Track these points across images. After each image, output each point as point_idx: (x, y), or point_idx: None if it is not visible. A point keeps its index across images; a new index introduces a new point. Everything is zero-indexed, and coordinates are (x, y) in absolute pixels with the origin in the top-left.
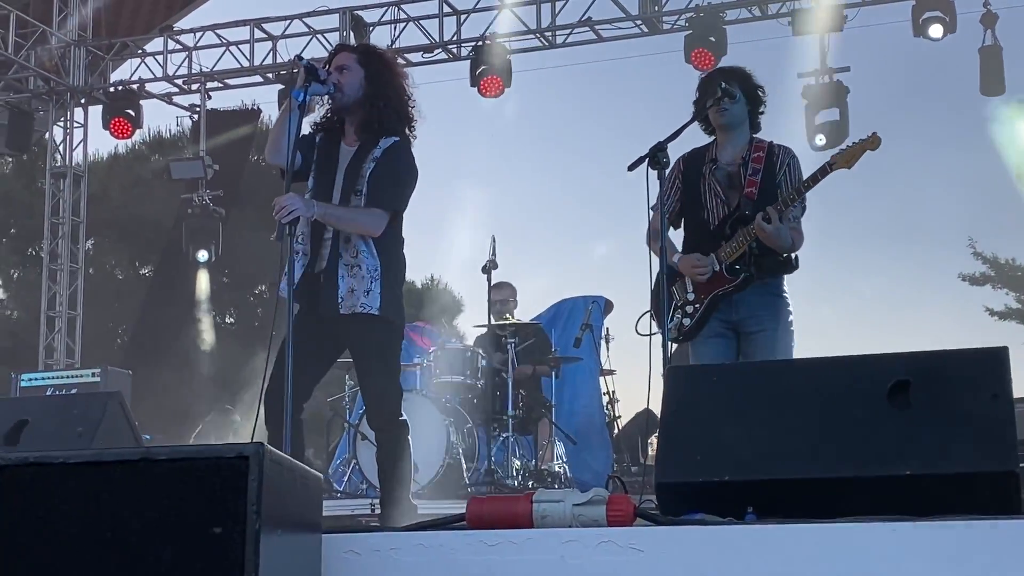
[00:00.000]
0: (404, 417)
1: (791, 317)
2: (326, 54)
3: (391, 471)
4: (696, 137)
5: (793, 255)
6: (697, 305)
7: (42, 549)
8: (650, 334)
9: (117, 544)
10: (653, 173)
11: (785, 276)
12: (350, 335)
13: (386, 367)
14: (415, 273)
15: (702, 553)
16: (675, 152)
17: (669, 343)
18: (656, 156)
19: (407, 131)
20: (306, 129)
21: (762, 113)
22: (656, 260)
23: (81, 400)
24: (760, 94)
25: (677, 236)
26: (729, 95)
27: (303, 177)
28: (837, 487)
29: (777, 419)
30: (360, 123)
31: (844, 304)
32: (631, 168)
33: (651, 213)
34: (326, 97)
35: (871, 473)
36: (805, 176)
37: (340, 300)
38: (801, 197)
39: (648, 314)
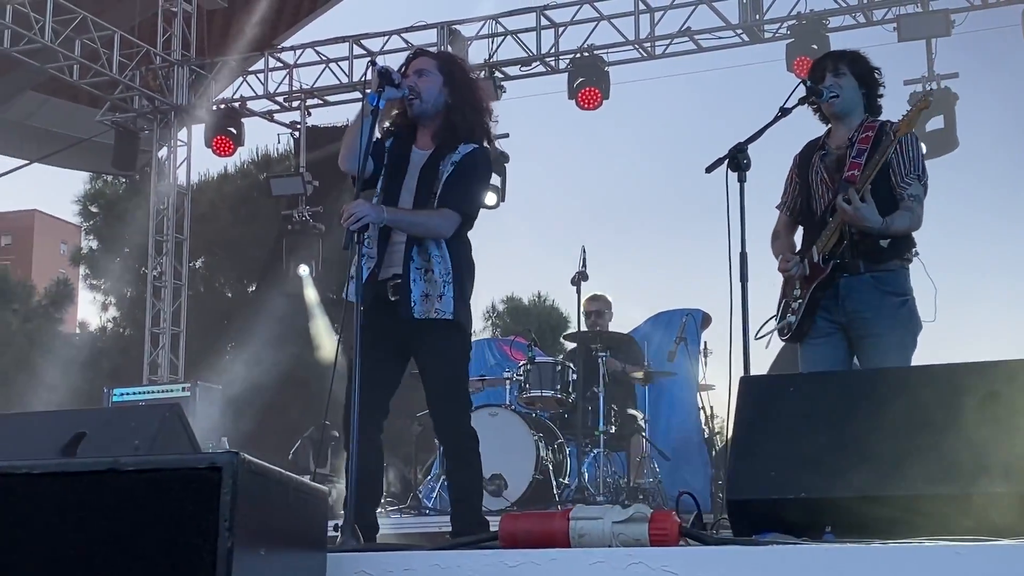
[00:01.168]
0: (474, 431)
1: (912, 316)
2: None
3: (463, 486)
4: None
5: (903, 240)
6: (801, 301)
7: (6, 559)
8: (745, 339)
9: (83, 557)
10: (733, 176)
11: (907, 267)
12: (422, 341)
13: (455, 375)
14: (523, 290)
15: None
16: (755, 153)
17: (787, 343)
18: (736, 157)
19: (485, 142)
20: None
21: (881, 96)
22: (760, 261)
23: (139, 412)
24: (876, 76)
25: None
26: (836, 74)
27: (374, 184)
28: (921, 505)
29: (857, 432)
30: (438, 128)
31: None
32: (709, 170)
33: (758, 212)
34: (402, 102)
35: (958, 491)
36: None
37: (414, 304)
38: (873, 173)
39: (745, 318)
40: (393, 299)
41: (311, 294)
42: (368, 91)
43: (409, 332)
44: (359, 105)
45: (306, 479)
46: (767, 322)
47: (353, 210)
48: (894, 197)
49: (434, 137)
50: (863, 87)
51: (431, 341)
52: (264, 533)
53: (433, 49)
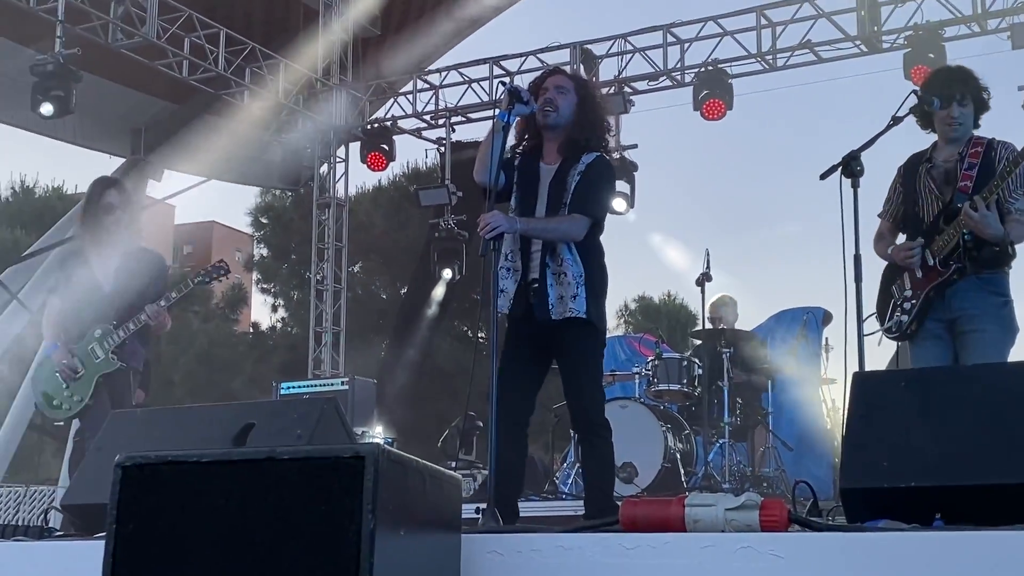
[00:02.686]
0: (607, 421)
1: (1012, 318)
2: None
3: (596, 473)
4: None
5: (1010, 245)
6: (914, 301)
7: (181, 537)
8: (860, 337)
9: (245, 537)
10: (847, 182)
11: (1008, 273)
12: (562, 340)
13: (590, 371)
14: (653, 289)
15: (848, 561)
16: (869, 160)
17: (894, 343)
18: (849, 165)
19: (603, 151)
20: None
21: (984, 113)
22: (873, 263)
23: (301, 405)
24: (985, 96)
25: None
26: (962, 104)
27: (506, 198)
28: None
29: (967, 424)
30: (563, 142)
31: None
32: (823, 177)
33: (866, 217)
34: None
35: None
36: None
37: (551, 307)
38: (1012, 180)
39: (859, 317)
40: (532, 303)
41: (439, 291)
42: (499, 109)
43: (549, 333)
44: None
45: (451, 464)
46: (868, 317)
47: (488, 220)
48: (1000, 210)
49: (559, 151)
50: (976, 109)
51: (568, 339)
52: (403, 516)
53: (568, 68)
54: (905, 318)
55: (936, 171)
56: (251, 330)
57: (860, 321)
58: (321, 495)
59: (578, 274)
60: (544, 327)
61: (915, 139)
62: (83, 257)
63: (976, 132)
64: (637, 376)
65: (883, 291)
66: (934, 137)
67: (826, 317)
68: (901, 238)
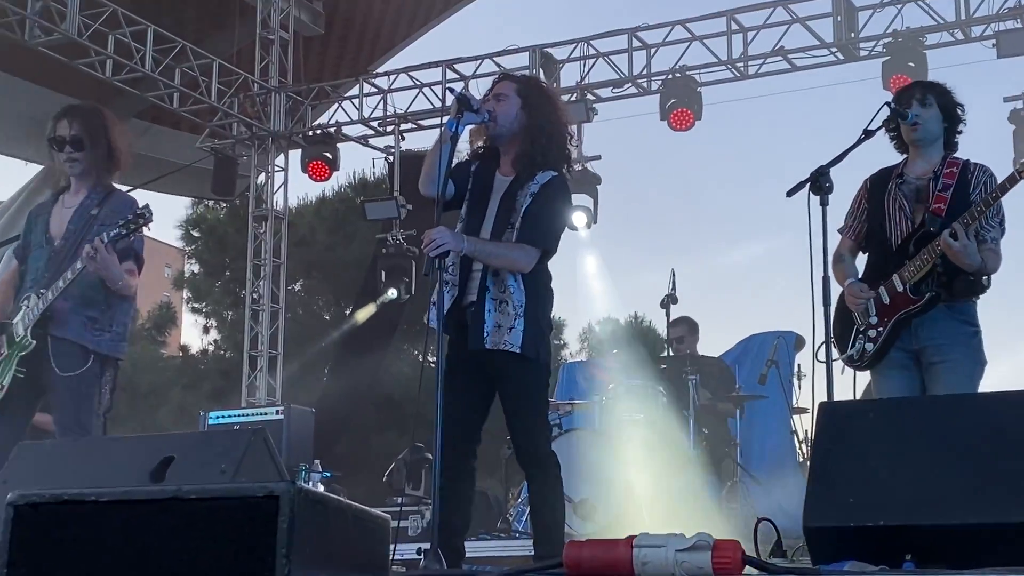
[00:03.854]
0: (554, 455)
1: (981, 349)
2: None
3: (542, 510)
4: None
5: (986, 277)
6: (880, 329)
7: None
8: (828, 363)
9: None
10: (815, 199)
11: (977, 303)
12: (497, 370)
13: (531, 404)
14: (619, 311)
15: None
16: (840, 176)
17: (854, 373)
18: (818, 180)
19: (564, 168)
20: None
21: (960, 132)
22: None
23: (226, 437)
24: (959, 112)
25: (862, 260)
26: (923, 104)
27: (457, 206)
28: (1005, 534)
29: (939, 459)
30: (517, 154)
31: None
32: (791, 193)
33: (834, 235)
34: (482, 127)
35: None
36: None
37: (486, 335)
38: (990, 209)
39: (827, 342)
40: (468, 324)
41: (382, 312)
42: (447, 117)
43: (486, 362)
44: None
45: (397, 500)
46: (820, 347)
47: (434, 236)
48: (975, 238)
49: (514, 164)
50: (946, 121)
51: (504, 371)
52: (323, 559)
53: (525, 72)
54: (870, 346)
55: (907, 187)
56: (180, 353)
57: (829, 347)
58: (232, 538)
59: (519, 302)
60: (480, 354)
61: (889, 154)
62: (46, 206)
63: (953, 154)
64: (597, 405)
65: (842, 316)
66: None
67: (798, 342)
68: (862, 259)
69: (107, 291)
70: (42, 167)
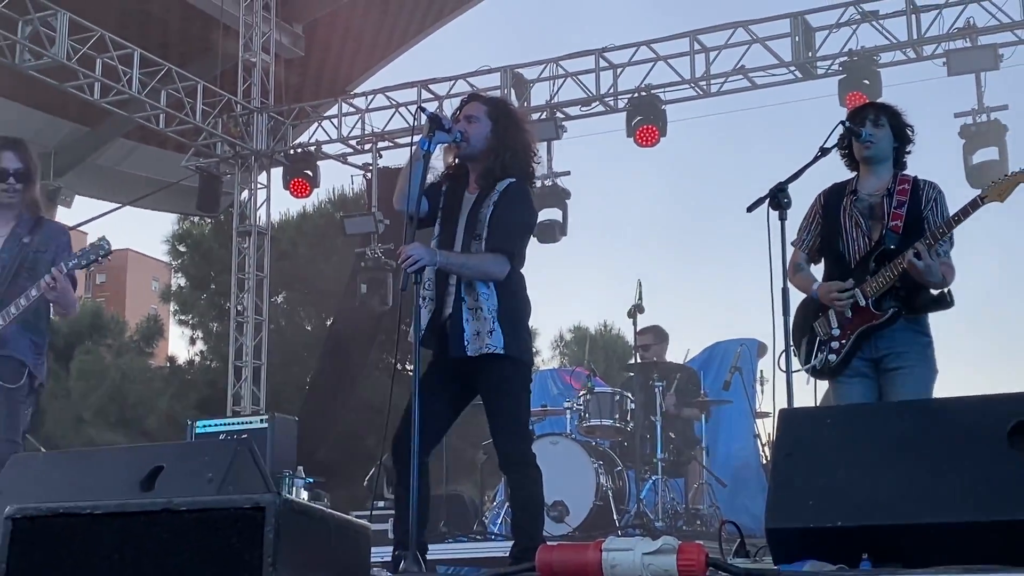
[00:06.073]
0: (534, 458)
1: (934, 358)
2: None
3: (522, 513)
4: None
5: (947, 291)
6: (843, 341)
7: None
8: (788, 371)
9: None
10: (775, 214)
11: (930, 315)
12: (479, 377)
13: (514, 405)
14: (589, 320)
15: None
16: (797, 192)
17: (815, 380)
18: (776, 197)
19: (526, 180)
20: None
21: (908, 152)
22: (798, 295)
23: (213, 447)
24: (909, 132)
25: (817, 272)
26: (876, 124)
27: (430, 223)
28: (957, 533)
29: (894, 462)
30: (482, 171)
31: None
32: (750, 209)
33: (791, 249)
34: (452, 146)
35: (992, 518)
36: (951, 211)
37: (467, 343)
38: (951, 231)
39: (787, 351)
40: (448, 334)
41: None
42: (420, 136)
43: (469, 370)
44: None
45: (378, 504)
46: (782, 354)
47: (409, 252)
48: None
49: (479, 180)
50: (897, 140)
51: (488, 375)
52: (307, 567)
53: (496, 93)
54: (833, 357)
55: (861, 204)
56: (167, 364)
57: (789, 355)
58: (221, 548)
59: (493, 308)
60: (462, 364)
61: (841, 171)
62: None
63: (902, 172)
64: (568, 411)
65: (802, 326)
66: None
67: (761, 348)
68: (815, 269)
69: (44, 322)
70: None
